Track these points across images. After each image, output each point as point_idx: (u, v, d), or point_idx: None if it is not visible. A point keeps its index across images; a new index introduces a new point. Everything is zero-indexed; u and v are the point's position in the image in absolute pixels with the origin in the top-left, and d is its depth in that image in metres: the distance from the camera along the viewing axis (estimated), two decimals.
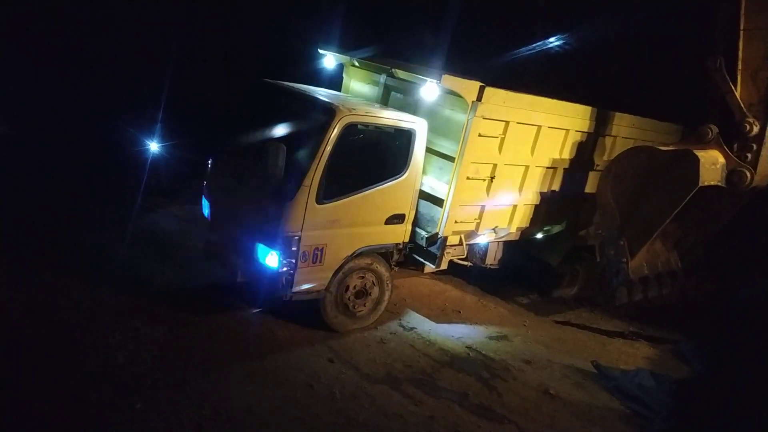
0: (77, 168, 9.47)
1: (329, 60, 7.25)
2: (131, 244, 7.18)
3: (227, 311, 6.12)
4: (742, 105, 6.68)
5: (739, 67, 6.63)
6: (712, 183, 6.62)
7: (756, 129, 6.69)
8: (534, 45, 12.01)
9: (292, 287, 5.48)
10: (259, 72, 6.67)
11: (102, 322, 5.40)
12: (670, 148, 6.87)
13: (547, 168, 7.31)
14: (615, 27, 11.08)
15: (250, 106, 6.57)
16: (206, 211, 6.41)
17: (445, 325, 6.90)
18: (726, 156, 6.78)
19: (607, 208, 7.06)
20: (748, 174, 6.71)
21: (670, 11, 11.06)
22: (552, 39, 12.15)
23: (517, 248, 7.71)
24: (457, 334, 6.72)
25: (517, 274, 8.35)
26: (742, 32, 6.52)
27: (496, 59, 10.71)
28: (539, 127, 6.85)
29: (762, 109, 6.69)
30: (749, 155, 6.81)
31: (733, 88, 6.65)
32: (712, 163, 6.61)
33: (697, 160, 6.31)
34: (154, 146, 9.47)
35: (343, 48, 7.33)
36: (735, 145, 6.87)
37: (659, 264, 7.97)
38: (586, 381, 6.25)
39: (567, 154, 7.45)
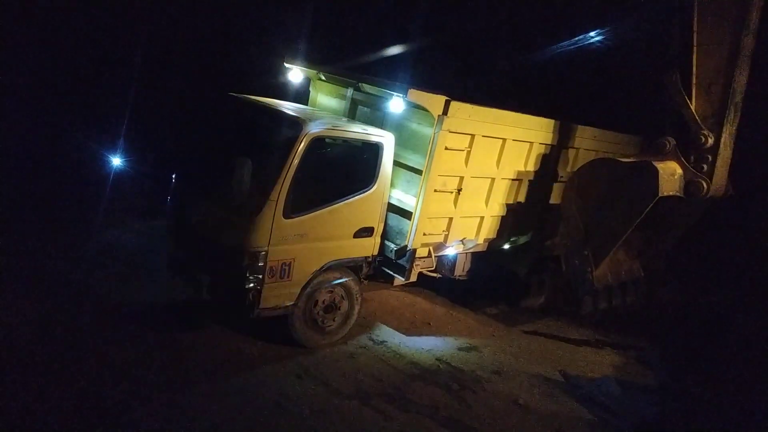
0: (38, 183, 9.21)
1: (296, 74, 7.24)
2: (94, 262, 6.98)
3: (194, 329, 5.99)
4: (698, 118, 6.92)
5: (694, 81, 6.87)
6: (671, 193, 6.83)
7: (711, 141, 6.94)
8: (499, 61, 12.25)
9: (259, 303, 5.39)
10: (224, 85, 6.62)
11: (62, 343, 5.21)
12: (630, 159, 7.07)
13: (513, 180, 7.42)
14: (577, 43, 11.41)
15: (215, 120, 6.49)
16: (171, 227, 6.28)
17: (415, 338, 6.90)
18: (683, 167, 7.01)
19: (571, 219, 7.22)
20: (705, 184, 6.95)
21: (629, 26, 11.43)
22: (516, 55, 12.41)
23: (485, 259, 7.77)
24: (427, 346, 6.73)
25: (485, 285, 8.41)
26: (695, 47, 6.77)
27: (464, 75, 10.88)
28: (504, 140, 6.97)
29: (716, 121, 6.94)
30: (705, 166, 7.05)
31: (688, 101, 6.89)
32: (670, 174, 6.82)
33: (656, 171, 6.50)
34: (116, 161, 9.28)
35: (310, 62, 7.34)
36: (692, 157, 7.11)
37: (623, 272, 8.16)
38: (555, 390, 6.31)
39: (532, 166, 7.58)
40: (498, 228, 7.55)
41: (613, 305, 8.36)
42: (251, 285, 5.28)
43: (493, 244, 7.66)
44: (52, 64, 11.08)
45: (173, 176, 6.24)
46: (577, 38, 11.59)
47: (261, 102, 6.25)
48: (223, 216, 5.50)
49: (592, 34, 11.56)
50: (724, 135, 6.96)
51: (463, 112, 6.20)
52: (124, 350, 5.29)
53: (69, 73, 11.18)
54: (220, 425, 4.52)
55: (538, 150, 7.54)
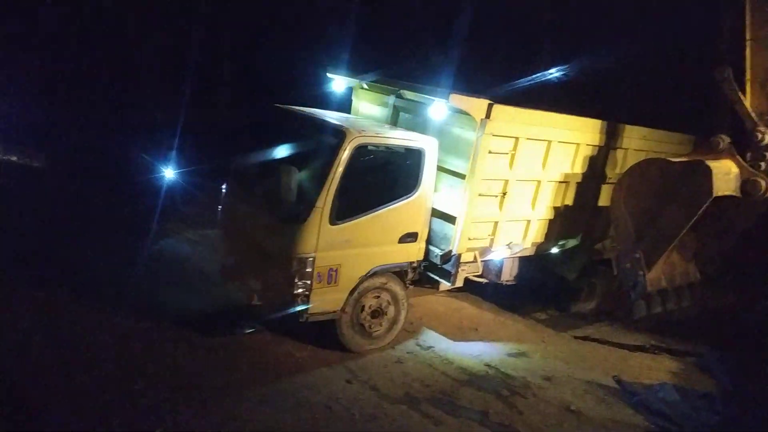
0: (95, 194, 9.67)
1: (338, 83, 7.38)
2: (148, 270, 7.26)
3: (245, 334, 6.13)
4: (753, 114, 6.65)
5: (748, 76, 6.62)
6: (726, 193, 6.57)
7: None
8: (545, 64, 12.07)
9: (308, 308, 5.50)
10: (270, 97, 6.80)
11: (121, 347, 5.45)
12: (682, 159, 6.85)
13: (560, 182, 7.31)
14: (625, 43, 11.15)
15: (262, 131, 6.68)
16: (222, 235, 6.48)
17: (463, 343, 6.85)
18: (739, 165, 6.73)
19: (620, 221, 7.03)
20: (763, 183, 6.65)
21: (679, 23, 11.10)
22: (562, 58, 12.20)
23: (533, 263, 7.65)
24: (476, 352, 6.66)
25: (533, 289, 8.27)
26: (748, 42, 6.52)
27: (507, 80, 10.79)
28: (549, 142, 6.88)
29: None
30: (763, 164, 6.76)
31: (742, 97, 6.63)
32: (725, 174, 6.56)
33: (709, 170, 6.27)
34: (169, 172, 9.64)
35: (352, 71, 7.46)
36: (748, 155, 6.83)
37: (677, 276, 7.87)
38: (608, 396, 6.14)
39: (579, 168, 7.45)
40: (545, 231, 7.44)
41: (668, 309, 8.04)
42: (299, 290, 5.40)
43: (540, 248, 7.54)
44: (109, 79, 11.66)
45: (223, 186, 6.44)
46: (626, 37, 11.32)
47: (305, 112, 6.39)
48: (271, 223, 5.64)
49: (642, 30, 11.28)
50: None
51: (506, 115, 6.16)
52: (178, 354, 5.47)
53: (122, 87, 11.73)
54: (272, 428, 4.61)
55: (585, 151, 7.40)
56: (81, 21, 11.90)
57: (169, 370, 5.18)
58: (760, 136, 6.63)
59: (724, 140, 6.77)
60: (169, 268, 7.51)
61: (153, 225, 8.52)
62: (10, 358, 5.07)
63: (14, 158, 12.31)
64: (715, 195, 6.29)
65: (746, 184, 6.66)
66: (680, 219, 6.52)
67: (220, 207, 6.50)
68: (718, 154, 6.75)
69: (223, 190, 6.45)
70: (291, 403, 4.99)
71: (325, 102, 7.34)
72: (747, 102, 6.64)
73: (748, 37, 6.53)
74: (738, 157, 6.73)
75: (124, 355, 5.32)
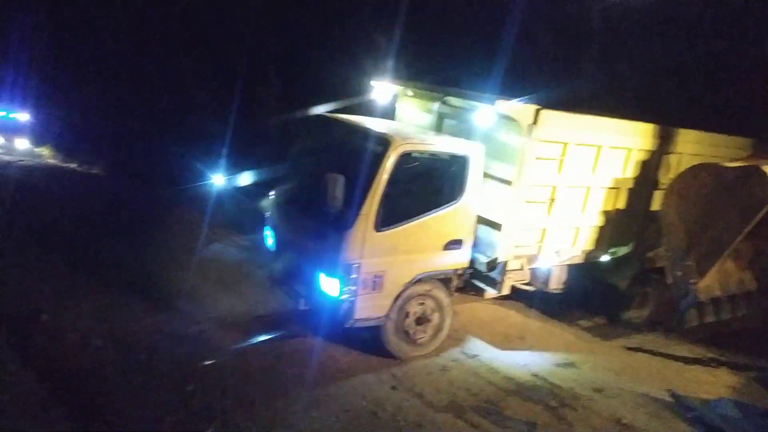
0: (149, 200, 10.06)
1: (382, 91, 7.42)
2: (198, 273, 7.49)
3: (292, 338, 6.24)
4: None
5: None
6: None
7: None
8: (594, 68, 11.80)
9: (353, 314, 5.55)
10: (316, 105, 6.92)
11: (173, 349, 5.64)
12: (737, 164, 6.59)
13: (610, 188, 7.13)
14: (678, 43, 10.79)
15: (309, 139, 6.80)
16: (270, 241, 6.63)
17: (509, 352, 6.74)
18: None
19: (672, 227, 6.84)
20: None
21: (734, 22, 10.68)
22: (612, 60, 11.90)
23: (583, 271, 7.47)
24: (522, 362, 6.54)
25: (583, 298, 8.07)
26: None
27: (554, 84, 10.61)
28: (599, 147, 6.73)
29: None
30: None
31: None
32: None
33: (765, 176, 6.02)
34: (218, 179, 9.91)
35: (396, 78, 7.50)
36: None
37: (732, 284, 7.64)
38: (663, 411, 5.90)
39: (630, 174, 7.25)
40: (596, 238, 7.27)
41: (722, 319, 7.82)
42: (345, 296, 5.45)
43: (590, 255, 7.36)
44: (163, 89, 12.13)
45: (271, 193, 6.59)
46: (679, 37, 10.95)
47: (350, 120, 6.46)
48: (317, 230, 5.72)
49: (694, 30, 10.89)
50: None
51: (554, 120, 6.07)
52: (226, 358, 5.61)
53: (175, 97, 12.18)
54: None
55: (637, 156, 7.19)
56: (133, 33, 12.46)
57: (219, 372, 5.32)
58: None
59: None
60: (219, 272, 7.72)
61: (203, 230, 8.79)
62: (70, 358, 5.33)
63: (74, 166, 12.98)
64: None
65: None
66: (735, 226, 6.29)
67: (268, 213, 6.64)
68: None
69: (271, 197, 6.59)
70: (337, 408, 5.04)
71: (369, 110, 7.41)
72: None
73: None
74: None
75: (178, 356, 5.50)
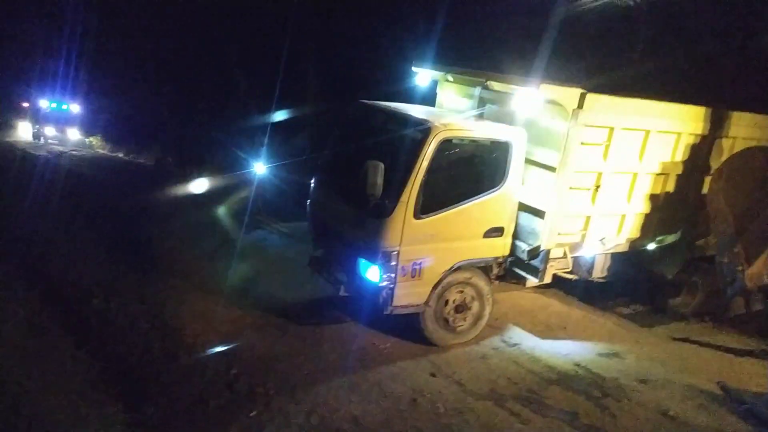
0: (193, 189, 10.33)
1: (423, 76, 7.36)
2: (240, 260, 7.66)
3: (332, 324, 6.33)
4: None
5: None
6: None
7: None
8: (642, 49, 11.37)
9: (392, 301, 5.58)
10: (357, 92, 6.92)
11: (217, 333, 5.80)
12: None
13: (658, 174, 6.90)
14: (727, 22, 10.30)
15: (349, 127, 6.81)
16: (311, 229, 6.71)
17: (551, 341, 6.65)
18: None
19: (719, 213, 6.63)
20: None
21: None
22: (660, 42, 11.44)
23: (628, 259, 7.28)
24: (564, 351, 6.45)
25: (628, 287, 7.88)
26: None
27: (601, 68, 10.27)
28: (647, 131, 6.51)
29: None
30: None
31: None
32: None
33: None
34: (261, 167, 10.08)
35: (437, 64, 7.42)
36: None
37: None
38: (711, 403, 5.72)
39: (680, 159, 6.99)
40: (642, 226, 7.06)
41: None
42: (384, 283, 5.48)
43: (636, 244, 7.15)
44: (206, 80, 12.38)
45: (312, 181, 6.65)
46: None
47: (390, 107, 6.44)
48: (357, 217, 5.75)
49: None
50: None
51: (600, 104, 5.90)
52: (270, 342, 5.75)
53: (218, 87, 12.42)
54: (360, 417, 4.74)
55: (687, 141, 6.92)
56: (177, 26, 12.75)
57: (262, 357, 5.46)
58: None
59: None
60: (261, 259, 7.88)
61: (246, 217, 8.98)
62: (120, 340, 5.56)
63: (121, 155, 13.43)
64: None
65: None
66: None
67: (308, 201, 6.72)
68: None
69: (312, 185, 6.65)
70: (377, 393, 5.10)
71: (410, 96, 7.37)
72: None
73: None
74: None
75: (222, 341, 5.65)
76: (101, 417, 4.55)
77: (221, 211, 9.60)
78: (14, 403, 4.56)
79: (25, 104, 16.29)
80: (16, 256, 7.49)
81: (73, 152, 14.00)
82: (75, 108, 16.32)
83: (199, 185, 10.65)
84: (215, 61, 12.80)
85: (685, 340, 7.29)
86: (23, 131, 15.63)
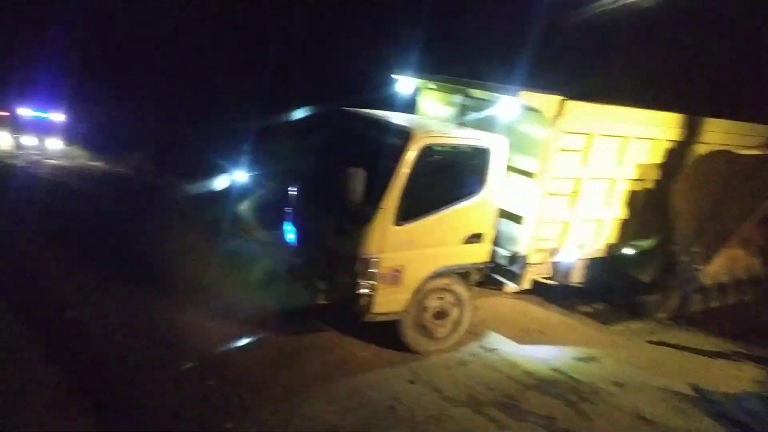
0: (172, 197, 10.22)
1: (404, 84, 7.38)
2: (217, 269, 7.58)
3: (310, 333, 6.29)
4: None
5: None
6: None
7: None
8: (619, 59, 11.56)
9: (372, 308, 5.57)
10: (337, 100, 6.90)
11: (192, 344, 5.73)
12: (752, 152, 6.54)
13: (636, 180, 7.02)
14: (704, 33, 10.54)
15: (329, 134, 6.80)
16: (289, 236, 6.68)
17: (529, 347, 6.71)
18: None
19: (680, 214, 6.93)
20: None
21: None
22: (635, 51, 11.65)
23: (606, 265, 7.39)
24: (542, 356, 6.51)
25: (606, 292, 7.99)
26: None
27: (579, 76, 10.42)
28: (625, 138, 6.63)
29: None
30: None
31: None
32: None
33: None
34: (240, 175, 10.01)
35: (418, 72, 7.44)
36: None
37: (739, 270, 7.82)
38: (686, 405, 5.84)
39: (657, 165, 7.11)
40: (620, 232, 7.19)
41: (727, 304, 8.09)
42: (364, 290, 5.48)
43: (614, 249, 7.27)
44: (186, 86, 12.26)
45: (291, 188, 6.62)
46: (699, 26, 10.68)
47: (371, 114, 6.43)
48: (337, 225, 5.74)
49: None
50: None
51: (579, 111, 5.99)
52: (247, 352, 5.71)
53: (198, 93, 12.31)
54: (337, 426, 4.73)
55: (663, 147, 7.08)
56: (158, 32, 12.62)
57: (239, 367, 5.41)
58: None
59: None
60: (239, 266, 7.81)
61: (224, 225, 8.89)
62: (93, 353, 5.46)
63: (101, 164, 13.27)
64: None
65: None
66: (743, 213, 6.41)
67: (288, 209, 6.68)
68: None
69: (291, 192, 6.61)
70: (355, 402, 5.09)
71: (391, 103, 7.36)
72: None
73: None
74: None
75: (198, 352, 5.59)
76: None
77: (199, 219, 9.50)
78: None
79: (4, 113, 15.98)
80: None
81: (52, 161, 13.78)
82: (57, 117, 16.10)
83: (178, 193, 10.53)
84: (197, 69, 12.69)
85: (660, 343, 7.41)
86: (1, 140, 15.36)
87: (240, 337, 5.99)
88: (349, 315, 5.76)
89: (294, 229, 6.58)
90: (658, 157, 7.08)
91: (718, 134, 7.44)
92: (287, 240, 6.72)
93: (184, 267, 7.52)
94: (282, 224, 6.82)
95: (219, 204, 9.76)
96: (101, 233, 8.64)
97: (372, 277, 5.46)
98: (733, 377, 6.71)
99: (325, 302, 5.91)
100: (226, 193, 9.97)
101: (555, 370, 6.20)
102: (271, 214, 9.27)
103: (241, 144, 10.77)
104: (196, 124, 11.86)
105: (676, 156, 7.19)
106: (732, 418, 5.64)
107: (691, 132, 7.17)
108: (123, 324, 5.95)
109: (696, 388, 6.15)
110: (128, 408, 4.72)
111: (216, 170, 10.49)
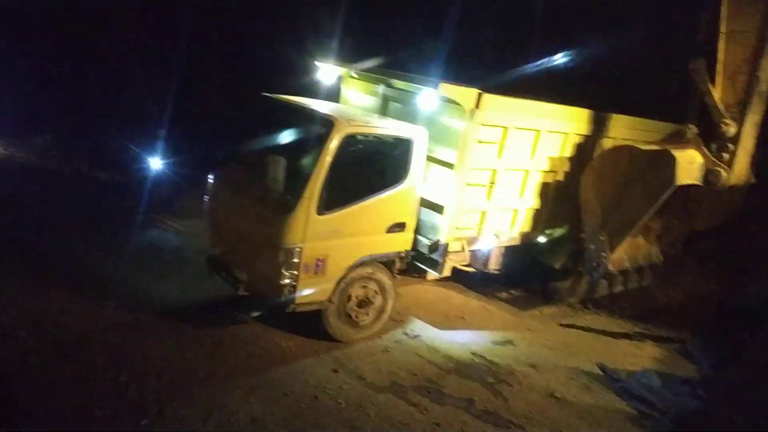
0: (81, 186, 9.58)
1: (327, 72, 7.30)
2: (133, 260, 7.22)
3: (231, 324, 6.13)
4: (720, 106, 6.80)
5: (719, 69, 6.76)
6: (689, 182, 6.79)
7: (733, 130, 6.85)
8: (535, 54, 12.04)
9: (294, 299, 5.50)
10: (257, 85, 6.72)
11: (106, 339, 5.43)
12: (651, 147, 7.04)
13: (548, 171, 7.35)
14: (615, 32, 11.17)
15: (249, 120, 6.63)
16: (208, 226, 6.46)
17: (450, 332, 6.90)
18: (704, 155, 6.93)
19: (588, 204, 7.31)
20: (724, 173, 6.86)
21: (670, 10, 11.16)
22: (552, 48, 12.18)
23: (520, 252, 7.71)
24: (462, 341, 6.72)
25: (520, 278, 8.37)
26: (723, 34, 6.64)
27: (497, 70, 10.78)
28: (538, 131, 6.90)
29: (739, 111, 6.87)
30: (726, 155, 6.97)
31: (711, 89, 6.78)
32: (689, 163, 6.78)
33: (673, 159, 6.50)
34: (155, 162, 9.56)
35: (341, 60, 7.40)
36: (713, 145, 7.02)
37: (640, 257, 8.45)
38: (593, 383, 6.24)
39: (567, 157, 7.48)
40: (533, 221, 7.51)
41: (629, 288, 8.74)
42: (286, 281, 5.40)
43: (528, 237, 7.60)
44: (97, 70, 11.50)
45: (210, 176, 6.40)
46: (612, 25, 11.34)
47: (293, 101, 6.33)
48: (258, 214, 5.62)
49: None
50: (746, 124, 6.88)
51: (495, 104, 6.17)
52: (165, 346, 5.47)
53: (110, 78, 11.59)
54: (260, 418, 4.65)
55: (573, 140, 7.44)
56: (66, 12, 11.70)
57: (155, 362, 5.17)
58: (725, 128, 6.80)
59: (692, 130, 6.97)
60: (156, 259, 7.47)
61: (139, 216, 8.46)
62: None
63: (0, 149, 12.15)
64: (677, 184, 6.51)
65: (709, 174, 6.90)
66: (643, 204, 6.81)
67: (206, 197, 6.46)
68: (685, 144, 6.97)
69: (210, 180, 6.40)
70: (278, 393, 5.02)
71: (313, 91, 7.27)
72: (716, 94, 6.79)
73: (722, 29, 6.66)
74: (703, 147, 6.91)
75: (111, 347, 5.30)
76: None
77: (113, 208, 8.98)
78: None
79: None
80: None
81: None
82: None
83: (89, 180, 9.87)
84: (111, 55, 11.90)
85: (570, 326, 7.87)
86: None
87: (157, 330, 5.73)
88: (271, 305, 5.67)
89: (214, 219, 6.37)
90: (568, 150, 7.44)
91: (623, 129, 7.93)
92: (206, 229, 6.50)
93: (95, 261, 7.09)
94: (200, 213, 6.59)
95: (134, 192, 9.26)
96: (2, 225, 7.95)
97: (295, 267, 5.39)
98: (635, 355, 7.24)
99: (247, 293, 5.78)
100: (141, 181, 9.47)
101: (474, 353, 6.43)
102: (188, 202, 8.96)
103: (157, 131, 10.26)
104: (108, 111, 11.14)
105: (584, 149, 7.60)
106: (633, 394, 6.07)
107: (598, 127, 7.60)
108: (27, 320, 5.50)
109: (602, 367, 6.57)
110: (33, 407, 4.39)
111: (130, 158, 9.93)
